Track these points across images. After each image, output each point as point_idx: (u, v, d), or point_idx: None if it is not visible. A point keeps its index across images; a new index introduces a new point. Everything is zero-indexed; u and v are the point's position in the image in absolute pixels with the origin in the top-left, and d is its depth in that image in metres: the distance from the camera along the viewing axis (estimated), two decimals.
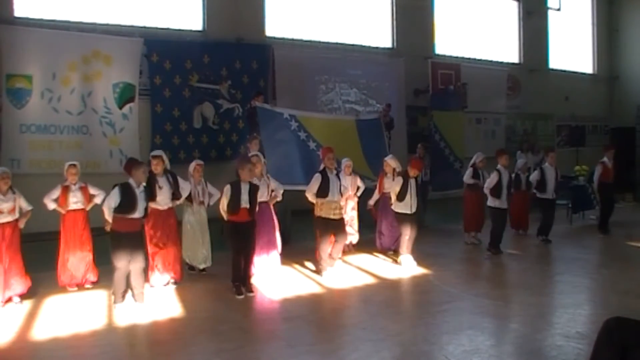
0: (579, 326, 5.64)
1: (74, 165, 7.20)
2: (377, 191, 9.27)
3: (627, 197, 16.24)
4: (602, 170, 11.07)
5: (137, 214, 6.27)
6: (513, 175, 9.87)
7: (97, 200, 7.24)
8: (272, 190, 7.83)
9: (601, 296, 7.10)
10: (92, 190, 7.26)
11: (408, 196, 8.31)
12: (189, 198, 7.67)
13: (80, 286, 7.16)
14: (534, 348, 5.13)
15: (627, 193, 16.32)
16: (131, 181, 6.29)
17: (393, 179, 8.79)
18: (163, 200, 7.22)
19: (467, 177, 9.90)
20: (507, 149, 16.23)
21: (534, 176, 10.29)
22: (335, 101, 14.00)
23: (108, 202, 6.22)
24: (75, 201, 7.11)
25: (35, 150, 10.61)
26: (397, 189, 8.34)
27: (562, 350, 4.99)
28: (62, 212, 7.10)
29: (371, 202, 9.22)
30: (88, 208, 7.24)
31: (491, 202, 9.22)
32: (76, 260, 7.09)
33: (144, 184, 6.45)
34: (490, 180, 9.19)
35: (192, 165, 7.88)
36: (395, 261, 8.58)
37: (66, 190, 7.08)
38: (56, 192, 7.07)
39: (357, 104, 14.33)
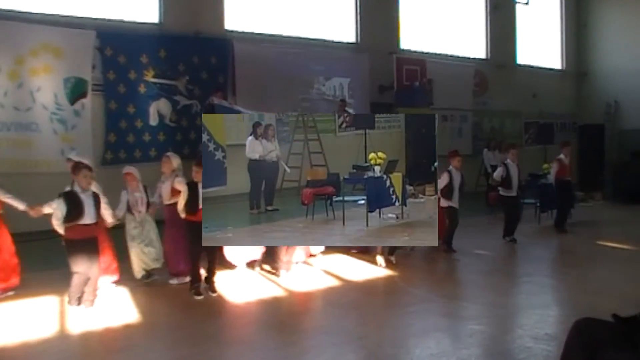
0: (548, 327, 5.61)
1: None
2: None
3: (595, 195, 16.18)
4: (559, 167, 11.05)
5: (88, 220, 5.98)
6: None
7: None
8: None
9: (570, 297, 7.09)
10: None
11: None
12: (129, 210, 7.20)
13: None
14: (502, 350, 5.11)
15: (595, 192, 16.28)
16: (76, 187, 6.04)
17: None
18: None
19: None
20: (475, 146, 16.45)
21: (499, 172, 10.14)
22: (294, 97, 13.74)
23: (55, 214, 5.92)
24: None
25: None
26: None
27: (531, 352, 4.95)
28: None
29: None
30: None
31: (443, 202, 9.09)
32: None
33: (91, 187, 6.15)
34: (441, 181, 9.08)
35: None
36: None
37: None
38: None
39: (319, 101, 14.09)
